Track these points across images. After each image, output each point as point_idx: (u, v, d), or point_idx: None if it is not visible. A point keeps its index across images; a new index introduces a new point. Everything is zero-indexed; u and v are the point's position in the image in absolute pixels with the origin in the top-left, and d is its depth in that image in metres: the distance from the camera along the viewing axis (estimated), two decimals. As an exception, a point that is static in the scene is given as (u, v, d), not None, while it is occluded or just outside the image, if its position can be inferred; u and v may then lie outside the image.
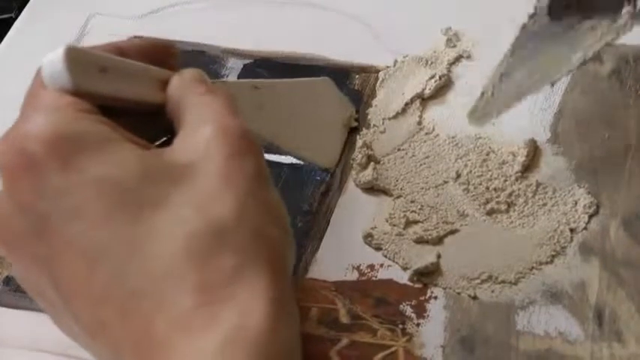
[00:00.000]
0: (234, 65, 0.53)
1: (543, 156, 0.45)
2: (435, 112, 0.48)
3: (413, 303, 0.40)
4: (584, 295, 0.39)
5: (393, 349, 0.39)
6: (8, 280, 0.44)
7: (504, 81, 0.41)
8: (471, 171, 0.44)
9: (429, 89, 0.49)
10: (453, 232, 0.43)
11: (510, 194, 0.43)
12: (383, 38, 0.53)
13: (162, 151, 0.31)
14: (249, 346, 0.27)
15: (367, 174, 0.45)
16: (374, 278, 0.42)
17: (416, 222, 0.43)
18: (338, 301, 0.41)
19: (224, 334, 0.27)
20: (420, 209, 0.44)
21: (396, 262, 0.42)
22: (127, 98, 0.32)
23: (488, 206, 0.43)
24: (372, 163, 0.45)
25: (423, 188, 0.45)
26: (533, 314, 0.39)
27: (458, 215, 0.43)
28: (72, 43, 0.55)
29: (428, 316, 0.40)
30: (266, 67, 0.52)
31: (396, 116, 0.48)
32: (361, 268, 0.42)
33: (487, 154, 0.45)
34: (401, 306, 0.40)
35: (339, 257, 0.43)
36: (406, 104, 0.48)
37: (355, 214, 0.44)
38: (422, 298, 0.41)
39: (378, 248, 0.43)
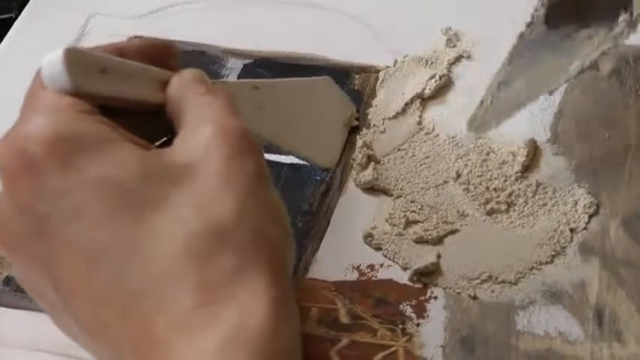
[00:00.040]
0: (234, 65, 0.53)
1: (543, 156, 0.45)
2: (435, 112, 0.48)
3: (413, 303, 0.40)
4: (584, 295, 0.39)
5: (393, 349, 0.39)
6: (8, 280, 0.44)
7: (503, 90, 0.42)
8: (471, 171, 0.44)
9: (429, 89, 0.49)
10: (453, 232, 0.43)
11: (510, 194, 0.43)
12: (383, 38, 0.53)
13: (163, 152, 0.31)
14: (249, 346, 0.27)
15: (367, 174, 0.45)
16: (374, 278, 0.42)
17: (416, 222, 0.43)
18: (338, 301, 0.41)
19: (224, 334, 0.27)
20: (420, 209, 0.44)
21: (396, 262, 0.42)
22: (127, 98, 0.32)
23: (489, 206, 0.43)
24: (372, 163, 0.45)
25: (423, 188, 0.45)
26: (533, 314, 0.39)
27: (458, 215, 0.43)
28: (72, 43, 0.55)
29: (428, 316, 0.40)
30: (266, 67, 0.52)
31: (396, 116, 0.48)
32: (361, 268, 0.42)
33: (487, 154, 0.45)
34: (401, 306, 0.40)
35: (339, 257, 0.43)
36: (406, 104, 0.48)
37: (355, 214, 0.44)
38: (422, 298, 0.41)
39: (378, 248, 0.43)
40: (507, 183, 0.43)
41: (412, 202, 0.44)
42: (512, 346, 0.38)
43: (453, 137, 0.46)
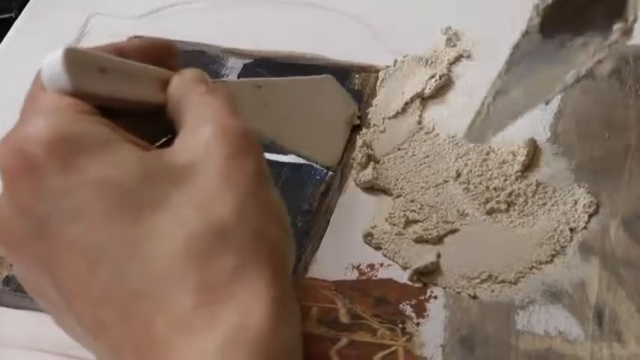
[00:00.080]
0: (234, 65, 0.53)
1: (543, 156, 0.45)
2: (435, 112, 0.48)
3: (413, 302, 0.40)
4: (584, 294, 0.39)
5: (392, 348, 0.39)
6: (8, 280, 0.44)
7: (499, 100, 0.42)
8: (471, 170, 0.44)
9: (429, 89, 0.49)
10: (452, 231, 0.43)
11: (510, 194, 0.43)
12: (383, 38, 0.53)
13: (163, 152, 0.31)
14: (249, 346, 0.27)
15: (367, 173, 0.45)
16: (374, 278, 0.42)
17: (416, 221, 0.43)
18: (338, 301, 0.41)
19: (224, 335, 0.27)
20: (419, 209, 0.44)
21: (396, 262, 0.42)
22: (127, 99, 0.32)
23: (488, 206, 0.43)
24: (372, 163, 0.45)
25: (423, 188, 0.45)
26: (533, 314, 0.39)
27: (458, 215, 0.43)
28: (72, 43, 0.55)
29: (428, 315, 0.40)
30: (266, 66, 0.52)
31: (396, 116, 0.48)
32: (361, 267, 0.42)
33: (487, 154, 0.45)
34: (401, 305, 0.40)
35: (339, 257, 0.43)
36: (406, 104, 0.48)
37: (355, 213, 0.44)
38: (422, 297, 0.41)
39: (377, 248, 0.43)
40: (507, 182, 0.43)
41: (412, 201, 0.44)
42: (512, 346, 0.38)
43: (452, 137, 0.46)
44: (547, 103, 0.43)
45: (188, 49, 0.53)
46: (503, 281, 0.40)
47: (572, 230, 0.42)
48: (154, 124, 0.34)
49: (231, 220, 0.29)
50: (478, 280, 0.40)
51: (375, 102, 0.49)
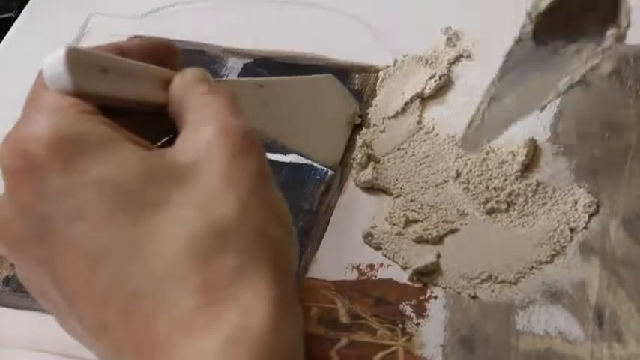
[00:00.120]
0: (234, 65, 0.53)
1: (543, 156, 0.45)
2: (435, 112, 0.48)
3: (413, 302, 0.40)
4: (584, 294, 0.39)
5: (392, 348, 0.39)
6: (8, 280, 0.44)
7: (493, 107, 0.42)
8: (470, 170, 0.44)
9: (429, 89, 0.49)
10: (452, 231, 0.43)
11: (510, 194, 0.43)
12: (383, 38, 0.53)
13: (164, 152, 0.31)
14: (251, 346, 0.27)
15: (367, 173, 0.45)
16: (374, 278, 0.42)
17: (416, 221, 0.43)
18: (338, 301, 0.41)
19: (226, 335, 0.27)
20: (419, 208, 0.44)
21: (396, 262, 0.42)
22: (129, 98, 0.32)
23: (488, 205, 0.43)
24: (372, 163, 0.45)
25: (422, 187, 0.45)
26: (533, 314, 0.39)
27: (458, 214, 0.43)
28: (72, 43, 0.55)
29: (428, 315, 0.40)
30: (266, 66, 0.52)
31: (395, 116, 0.48)
32: (361, 267, 0.42)
33: (487, 154, 0.45)
34: (401, 305, 0.40)
35: (339, 256, 0.43)
36: (406, 104, 0.48)
37: (355, 213, 0.44)
38: (422, 297, 0.41)
39: (377, 247, 0.43)
40: (507, 182, 0.44)
41: (412, 201, 0.44)
42: (512, 346, 0.38)
43: (452, 137, 0.46)
44: (541, 110, 0.43)
45: (188, 49, 0.53)
46: (503, 281, 0.40)
47: (572, 230, 0.42)
48: (155, 124, 0.33)
49: (233, 220, 0.29)
50: (478, 280, 0.40)
51: (375, 102, 0.49)
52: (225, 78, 0.51)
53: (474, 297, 0.40)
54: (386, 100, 0.49)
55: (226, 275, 0.28)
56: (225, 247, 0.28)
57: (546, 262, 0.41)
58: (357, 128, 0.48)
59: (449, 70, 0.50)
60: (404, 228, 0.43)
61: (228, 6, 0.57)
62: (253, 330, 0.27)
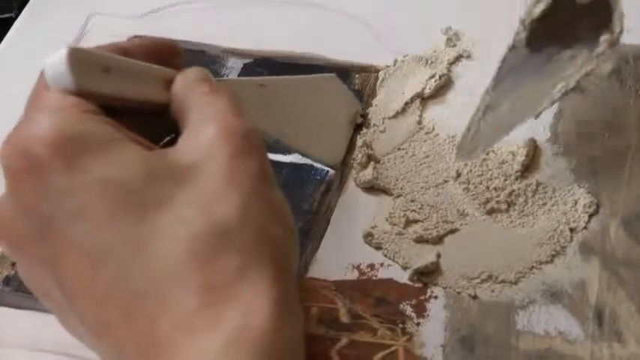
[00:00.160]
0: (235, 65, 0.53)
1: (543, 156, 0.45)
2: (435, 112, 0.48)
3: (413, 302, 0.40)
4: (584, 294, 0.39)
5: (393, 348, 0.39)
6: (8, 280, 0.44)
7: (488, 115, 0.42)
8: (471, 170, 0.44)
9: (429, 89, 0.49)
10: (453, 231, 0.43)
11: (510, 194, 0.43)
12: (383, 38, 0.53)
13: (166, 152, 0.31)
14: (252, 346, 0.27)
15: (367, 173, 0.45)
16: (374, 277, 0.42)
17: (416, 221, 0.43)
18: (338, 301, 0.41)
19: (227, 334, 0.27)
20: (420, 208, 0.44)
21: (396, 262, 0.42)
22: (131, 98, 0.32)
23: (489, 205, 0.43)
24: (372, 163, 0.45)
25: (423, 187, 0.45)
26: (533, 314, 0.39)
27: (458, 214, 0.43)
28: (72, 43, 0.55)
29: (428, 315, 0.40)
30: (266, 66, 0.52)
31: (396, 116, 0.48)
32: (361, 267, 0.42)
33: (487, 154, 0.45)
34: (401, 305, 0.40)
35: (339, 256, 0.43)
36: (406, 104, 0.48)
37: (355, 213, 0.45)
38: (422, 297, 0.41)
39: (378, 247, 0.43)
40: (507, 182, 0.44)
41: (412, 201, 0.44)
42: (512, 346, 0.38)
43: (452, 137, 0.46)
44: (536, 117, 0.43)
45: (188, 49, 0.53)
46: (503, 281, 0.40)
47: (572, 230, 0.42)
48: (157, 124, 0.33)
49: (235, 220, 0.29)
50: (478, 280, 0.40)
51: (375, 102, 0.49)
52: (226, 78, 0.51)
53: (474, 297, 0.40)
54: (386, 100, 0.49)
55: (228, 275, 0.28)
56: (226, 247, 0.28)
57: (546, 262, 0.41)
58: (357, 128, 0.48)
59: (449, 70, 0.50)
60: (404, 228, 0.43)
61: (228, 6, 0.57)
62: (255, 330, 0.27)
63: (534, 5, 0.40)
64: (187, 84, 0.33)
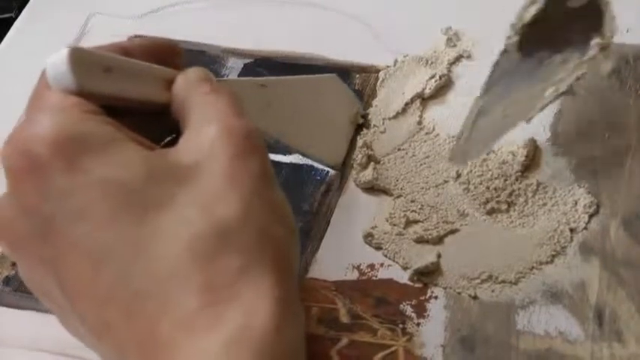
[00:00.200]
0: (235, 65, 0.53)
1: (543, 156, 0.45)
2: (435, 112, 0.48)
3: (413, 303, 0.40)
4: (584, 295, 0.39)
5: (393, 348, 0.39)
6: (8, 280, 0.44)
7: (480, 120, 0.42)
8: (471, 171, 0.44)
9: (429, 89, 0.49)
10: (453, 231, 0.43)
11: (510, 194, 0.43)
12: (383, 38, 0.53)
13: (167, 152, 0.31)
14: (254, 346, 0.27)
15: (367, 174, 0.45)
16: (374, 278, 0.42)
17: (416, 221, 0.43)
18: (338, 301, 0.41)
19: (229, 334, 0.27)
20: (420, 209, 0.44)
21: (397, 262, 0.42)
22: (132, 98, 0.32)
23: (489, 206, 0.43)
24: (372, 163, 0.45)
25: (423, 188, 0.45)
26: (534, 314, 0.39)
27: (458, 215, 0.43)
28: (72, 43, 0.55)
29: (428, 315, 0.40)
30: (266, 66, 0.52)
31: (396, 116, 0.48)
32: (361, 267, 0.42)
33: (487, 154, 0.45)
34: (401, 306, 0.40)
35: (339, 257, 0.43)
36: (406, 104, 0.48)
37: (355, 213, 0.45)
38: (422, 297, 0.41)
39: (378, 248, 0.43)
40: (507, 183, 0.44)
41: (412, 201, 0.44)
42: (513, 346, 0.38)
43: (453, 137, 0.46)
44: (528, 122, 0.43)
45: (188, 49, 0.53)
46: (503, 281, 0.40)
47: (572, 230, 0.42)
48: (158, 124, 0.34)
49: (236, 221, 0.29)
50: (478, 281, 0.40)
51: (375, 102, 0.49)
52: (226, 78, 0.51)
53: (475, 297, 0.40)
54: (386, 100, 0.49)
55: (229, 275, 0.28)
56: (227, 248, 0.28)
57: (547, 263, 0.41)
58: (358, 128, 0.48)
59: (449, 71, 0.50)
60: (404, 228, 0.43)
61: (228, 6, 0.57)
62: (256, 330, 0.27)
63: (525, 9, 0.41)
64: (188, 84, 0.33)
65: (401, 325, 0.40)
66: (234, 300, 0.27)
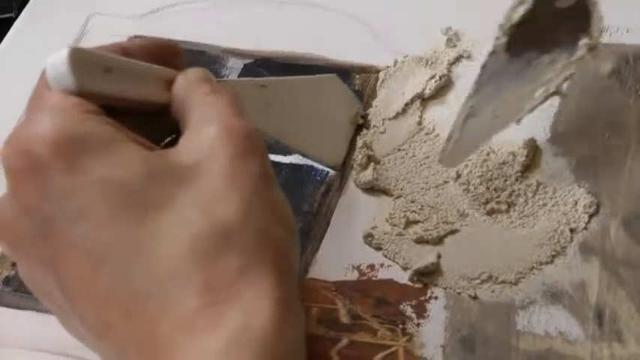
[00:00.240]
0: (235, 65, 0.53)
1: (543, 156, 0.45)
2: (435, 112, 0.48)
3: (413, 303, 0.40)
4: (584, 295, 0.39)
5: (393, 349, 0.39)
6: (8, 280, 0.44)
7: (470, 122, 0.42)
8: (471, 171, 0.44)
9: (429, 89, 0.49)
10: (453, 232, 0.43)
11: (510, 194, 0.43)
12: (383, 38, 0.53)
13: (167, 152, 0.31)
14: (254, 346, 0.27)
15: (367, 174, 0.45)
16: (374, 278, 0.42)
17: (416, 222, 0.43)
18: (338, 301, 0.41)
19: (229, 335, 0.27)
20: (420, 209, 0.44)
21: (397, 262, 0.42)
22: (132, 98, 0.32)
23: (489, 206, 0.43)
24: (372, 164, 0.45)
25: (423, 188, 0.45)
26: (534, 314, 0.39)
27: (458, 215, 0.43)
28: (72, 43, 0.55)
29: (428, 316, 0.40)
30: (266, 67, 0.52)
31: (396, 116, 0.48)
32: (361, 268, 0.42)
33: (487, 154, 0.45)
34: (401, 306, 0.40)
35: (339, 257, 0.43)
36: (406, 104, 0.48)
37: (355, 214, 0.45)
38: (422, 298, 0.41)
39: (378, 248, 0.43)
40: (507, 183, 0.44)
41: (412, 202, 0.44)
42: (513, 346, 0.38)
43: (453, 137, 0.46)
44: (517, 123, 0.43)
45: (188, 50, 0.53)
46: (503, 282, 0.40)
47: (572, 231, 0.42)
48: (158, 124, 0.34)
49: (236, 221, 0.29)
50: (478, 281, 0.40)
51: (375, 103, 0.49)
52: (227, 78, 0.51)
53: (475, 297, 0.40)
54: (386, 100, 0.49)
55: (229, 276, 0.28)
56: (228, 248, 0.28)
57: (547, 263, 0.41)
58: (357, 129, 0.48)
59: (449, 71, 0.50)
60: (404, 229, 0.43)
61: (228, 6, 0.57)
62: (256, 330, 0.27)
63: (513, 10, 0.40)
64: (188, 84, 0.33)
65: (401, 326, 0.40)
66: (234, 300, 0.27)
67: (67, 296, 0.29)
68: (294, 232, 0.31)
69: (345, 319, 0.40)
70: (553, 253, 0.41)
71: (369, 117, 0.48)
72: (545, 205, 0.43)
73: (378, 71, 0.51)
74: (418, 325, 0.40)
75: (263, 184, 0.30)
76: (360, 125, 0.48)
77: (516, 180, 0.44)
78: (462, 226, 0.43)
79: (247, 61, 0.53)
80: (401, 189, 0.45)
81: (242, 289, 0.28)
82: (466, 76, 0.50)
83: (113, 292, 0.28)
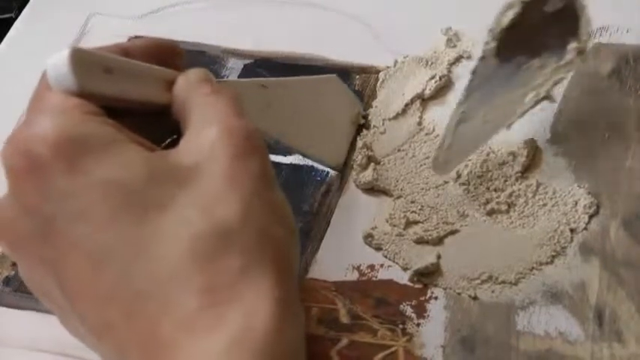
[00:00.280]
0: (235, 65, 0.53)
1: (543, 156, 0.45)
2: (435, 113, 0.48)
3: (413, 303, 0.40)
4: (584, 295, 0.39)
5: (393, 349, 0.39)
6: (8, 280, 0.44)
7: (461, 128, 0.42)
8: (471, 171, 0.44)
9: (430, 90, 0.49)
10: (453, 232, 0.43)
11: (510, 194, 0.43)
12: (383, 38, 0.53)
13: (168, 153, 0.31)
14: (254, 346, 0.27)
15: (367, 174, 0.45)
16: (374, 278, 0.42)
17: (416, 222, 0.43)
18: (338, 301, 0.41)
19: (230, 335, 0.27)
20: (420, 209, 0.44)
21: (397, 263, 0.42)
22: (133, 99, 0.32)
23: (489, 206, 0.43)
24: (372, 164, 0.45)
25: (423, 189, 0.45)
26: (534, 314, 0.39)
27: (458, 215, 0.43)
28: (72, 43, 0.55)
29: (428, 316, 0.40)
30: (266, 67, 0.52)
31: (396, 117, 0.48)
32: (361, 268, 0.42)
33: (487, 155, 0.45)
34: (401, 306, 0.40)
35: (339, 257, 0.43)
36: (406, 105, 0.48)
37: (355, 214, 0.45)
38: (422, 298, 0.41)
39: (378, 248, 0.43)
40: (507, 183, 0.44)
41: (412, 202, 0.44)
42: (513, 347, 0.38)
43: (453, 137, 0.46)
44: (508, 128, 0.43)
45: (188, 50, 0.53)
46: (503, 282, 0.40)
47: (572, 231, 0.42)
48: (159, 125, 0.34)
49: (236, 221, 0.29)
50: (478, 281, 0.40)
51: (375, 103, 0.49)
52: (227, 79, 0.51)
53: (475, 298, 0.40)
54: (386, 101, 0.49)
55: (230, 276, 0.28)
56: (228, 249, 0.28)
57: (547, 263, 0.41)
58: (358, 129, 0.48)
59: (449, 71, 0.50)
60: (404, 229, 0.43)
61: (228, 6, 0.57)
62: (257, 331, 0.27)
63: (503, 14, 0.41)
64: (189, 85, 0.33)
65: (401, 326, 0.40)
66: (235, 301, 0.27)
67: (67, 296, 0.29)
68: (294, 232, 0.31)
69: (345, 319, 0.40)
70: (553, 253, 0.41)
71: (369, 117, 0.48)
72: (545, 205, 0.43)
73: (378, 71, 0.51)
74: (418, 325, 0.40)
75: (263, 185, 0.30)
76: (360, 125, 0.48)
77: (516, 180, 0.44)
78: (462, 227, 0.43)
79: (247, 61, 0.53)
80: (401, 189, 0.45)
81: (242, 289, 0.28)
82: (466, 77, 0.49)
83: (114, 293, 0.28)
